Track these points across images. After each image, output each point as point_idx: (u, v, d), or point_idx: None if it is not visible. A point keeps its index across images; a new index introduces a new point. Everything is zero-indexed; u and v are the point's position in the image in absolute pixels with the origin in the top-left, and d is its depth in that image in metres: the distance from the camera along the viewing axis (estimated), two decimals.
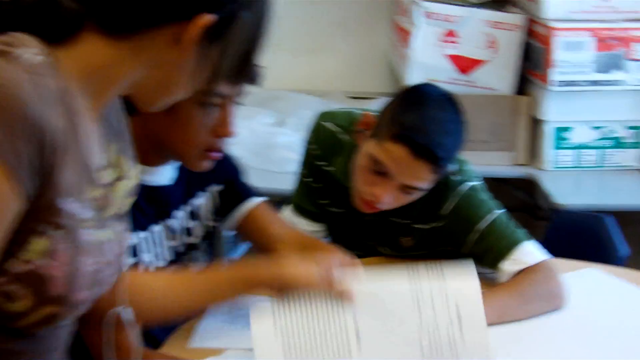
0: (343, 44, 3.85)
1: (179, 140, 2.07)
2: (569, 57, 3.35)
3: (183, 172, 2.23)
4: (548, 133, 3.47)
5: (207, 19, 1.34)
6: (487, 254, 2.32)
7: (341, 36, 3.88)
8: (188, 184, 2.26)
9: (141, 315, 1.72)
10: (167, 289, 1.91)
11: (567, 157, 3.48)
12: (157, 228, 2.18)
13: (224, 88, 1.99)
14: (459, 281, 1.87)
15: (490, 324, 1.91)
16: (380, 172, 2.26)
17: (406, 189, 2.27)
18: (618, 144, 3.51)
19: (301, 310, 1.83)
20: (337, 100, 3.74)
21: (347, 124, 2.51)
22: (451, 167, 2.34)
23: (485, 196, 2.38)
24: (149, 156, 2.07)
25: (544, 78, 3.38)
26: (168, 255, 2.21)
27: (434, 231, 2.41)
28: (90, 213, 1.39)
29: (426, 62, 3.53)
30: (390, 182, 2.26)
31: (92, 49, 1.35)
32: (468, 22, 3.51)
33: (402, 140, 2.21)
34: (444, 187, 2.35)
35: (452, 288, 1.85)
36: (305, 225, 2.59)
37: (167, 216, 2.20)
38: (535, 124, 3.51)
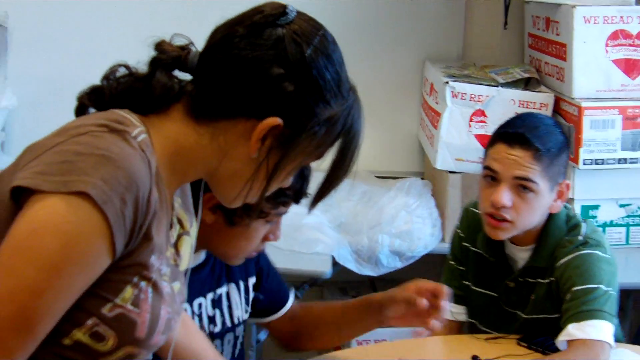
0: (371, 124, 3.89)
1: (232, 247, 2.19)
2: (596, 135, 3.37)
3: (211, 259, 2.29)
4: (575, 211, 3.44)
5: (273, 121, 1.50)
6: (564, 313, 2.44)
7: (370, 116, 3.92)
8: (215, 272, 2.31)
9: None
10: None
11: None
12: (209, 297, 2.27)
13: (285, 210, 2.17)
14: None
15: None
16: (493, 178, 2.52)
17: (518, 186, 2.49)
18: None
19: None
20: (365, 180, 3.77)
21: None
22: (584, 232, 2.55)
23: (600, 267, 2.50)
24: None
25: (572, 156, 3.40)
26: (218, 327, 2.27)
27: (550, 286, 2.55)
28: (168, 269, 1.58)
29: (455, 142, 3.55)
30: (502, 183, 2.50)
31: (177, 129, 1.55)
32: (496, 102, 3.54)
33: (498, 139, 2.56)
34: (570, 244, 2.53)
35: None
36: (449, 307, 2.63)
37: (188, 301, 2.23)
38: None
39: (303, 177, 2.15)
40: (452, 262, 2.83)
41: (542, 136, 2.53)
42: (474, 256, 2.76)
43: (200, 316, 2.26)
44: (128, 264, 1.48)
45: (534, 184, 2.50)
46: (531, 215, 2.54)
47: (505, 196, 2.50)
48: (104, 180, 1.39)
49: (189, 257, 1.73)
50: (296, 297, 3.60)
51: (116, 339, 1.49)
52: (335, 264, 3.43)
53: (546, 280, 2.57)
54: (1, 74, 3.64)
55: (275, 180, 1.58)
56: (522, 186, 2.50)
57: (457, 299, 2.76)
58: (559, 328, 2.53)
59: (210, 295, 2.29)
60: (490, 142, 2.62)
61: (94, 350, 1.49)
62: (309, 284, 3.67)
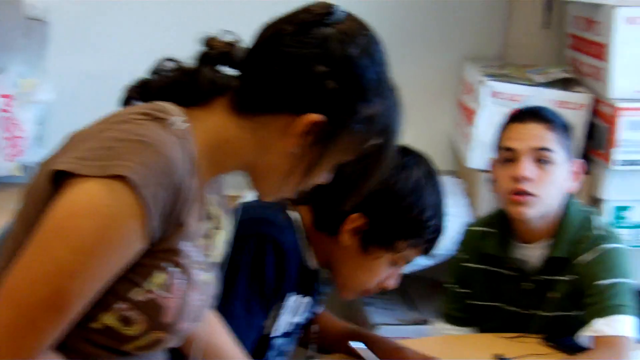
0: (408, 123, 3.89)
1: (355, 278, 2.27)
2: (633, 136, 3.34)
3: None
4: (607, 212, 3.45)
5: (314, 117, 1.54)
6: (589, 307, 2.47)
7: (406, 115, 3.92)
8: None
9: None
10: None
11: (626, 235, 3.43)
12: (305, 300, 2.30)
13: (414, 256, 2.27)
14: None
15: None
16: (510, 158, 2.57)
17: (538, 157, 2.54)
18: None
19: None
20: None
21: (486, 218, 2.81)
22: (601, 226, 2.60)
23: (623, 262, 2.54)
24: (317, 257, 2.26)
25: (606, 157, 3.37)
26: (289, 326, 2.28)
27: (572, 284, 2.57)
28: (201, 257, 1.61)
29: (489, 142, 3.51)
30: (521, 158, 2.54)
31: (219, 122, 1.59)
32: (534, 102, 3.49)
33: (509, 121, 2.66)
34: (587, 239, 2.56)
35: None
36: (454, 331, 2.80)
37: (310, 294, 2.32)
38: (594, 203, 3.48)
39: (438, 232, 2.25)
40: (452, 286, 2.84)
41: (549, 112, 2.65)
42: (479, 273, 2.76)
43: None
44: (160, 249, 1.50)
45: (552, 152, 2.55)
46: (553, 186, 2.56)
47: (527, 168, 2.54)
48: (142, 164, 1.42)
49: (222, 249, 1.76)
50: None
51: (144, 323, 1.52)
52: None
53: (567, 278, 2.55)
54: (41, 68, 3.67)
55: (314, 175, 1.61)
56: (541, 159, 2.54)
57: (463, 322, 2.81)
58: (580, 326, 2.52)
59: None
60: (501, 128, 2.68)
61: (122, 334, 1.52)
62: None
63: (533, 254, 2.65)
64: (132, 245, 1.45)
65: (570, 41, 3.87)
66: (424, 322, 3.63)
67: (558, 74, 3.65)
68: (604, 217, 3.39)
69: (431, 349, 2.42)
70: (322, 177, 1.65)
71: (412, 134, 3.84)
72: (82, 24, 3.86)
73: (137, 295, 1.50)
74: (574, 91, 3.59)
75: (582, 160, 2.68)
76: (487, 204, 3.52)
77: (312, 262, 2.27)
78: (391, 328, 3.55)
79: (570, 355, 2.50)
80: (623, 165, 3.34)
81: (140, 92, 1.64)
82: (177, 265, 1.53)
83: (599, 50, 3.50)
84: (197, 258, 1.60)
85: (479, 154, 3.56)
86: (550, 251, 2.60)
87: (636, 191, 3.43)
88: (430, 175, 2.24)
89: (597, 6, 3.49)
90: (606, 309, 2.42)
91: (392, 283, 2.31)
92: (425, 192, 2.20)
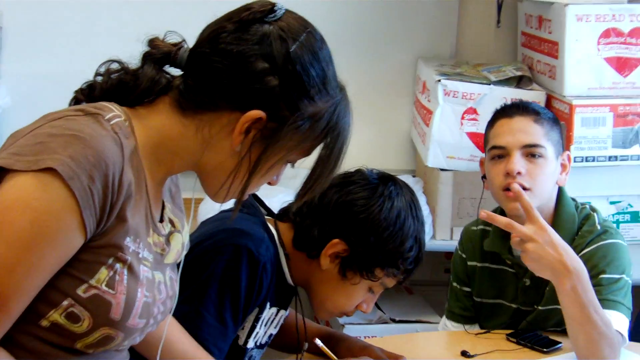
0: (364, 121, 3.90)
1: (332, 301, 2.30)
2: (587, 133, 3.37)
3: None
4: None
5: (256, 114, 1.56)
6: None
7: (362, 114, 3.93)
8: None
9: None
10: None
11: None
12: (281, 313, 2.33)
13: (391, 284, 2.30)
14: None
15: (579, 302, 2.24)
16: (501, 155, 2.60)
17: (528, 153, 2.59)
18: (635, 218, 3.52)
19: None
20: None
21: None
22: (601, 221, 2.62)
23: (624, 257, 2.56)
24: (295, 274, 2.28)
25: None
26: (264, 338, 2.30)
27: None
28: (150, 255, 1.62)
29: (446, 140, 3.57)
30: (512, 154, 2.58)
31: (163, 121, 1.60)
32: (488, 100, 3.54)
33: (496, 117, 2.70)
34: (588, 234, 2.58)
35: None
36: (457, 329, 2.82)
37: (284, 308, 2.34)
38: None
39: (417, 262, 2.28)
40: (455, 285, 2.87)
41: (535, 106, 2.70)
42: (481, 271, 2.80)
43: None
44: (102, 244, 1.52)
45: (541, 148, 2.59)
46: (545, 180, 2.60)
47: (518, 163, 2.57)
48: (72, 157, 1.44)
49: (178, 252, 1.76)
50: None
51: (91, 320, 1.53)
52: None
53: None
54: None
55: (257, 173, 1.62)
56: (531, 154, 2.58)
57: (468, 320, 2.84)
58: None
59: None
60: (488, 125, 2.72)
61: (70, 331, 1.53)
62: None
63: None
64: (68, 238, 1.46)
65: (523, 39, 3.92)
66: (389, 322, 3.66)
67: (512, 72, 3.68)
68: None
69: (397, 348, 2.45)
70: (269, 176, 1.67)
71: (371, 132, 3.94)
72: (35, 29, 3.84)
73: (82, 291, 1.52)
74: (528, 89, 3.62)
75: (569, 153, 2.72)
76: (445, 203, 3.56)
77: (290, 279, 2.28)
78: (357, 327, 3.56)
79: (538, 350, 2.52)
80: (579, 162, 3.37)
81: (87, 93, 1.65)
82: (120, 260, 1.55)
83: (551, 48, 3.55)
84: (144, 255, 1.61)
85: (437, 153, 3.59)
86: None
87: (593, 187, 3.47)
88: (413, 204, 2.27)
89: (548, 4, 3.53)
90: (604, 302, 2.43)
91: (367, 307, 2.33)
92: (407, 223, 2.23)
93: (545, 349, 2.51)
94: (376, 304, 3.82)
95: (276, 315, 2.29)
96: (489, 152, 2.67)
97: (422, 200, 3.64)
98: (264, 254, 2.12)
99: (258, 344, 2.27)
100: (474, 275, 2.81)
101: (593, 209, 2.70)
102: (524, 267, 2.65)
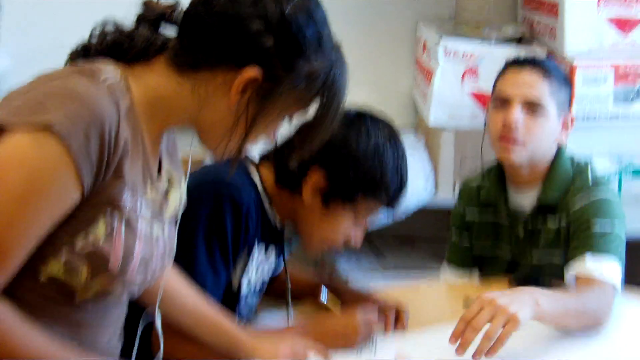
0: (366, 82, 3.92)
1: (318, 234, 2.29)
2: (589, 91, 3.39)
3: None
4: None
5: (252, 73, 1.57)
6: (580, 247, 2.50)
7: (364, 75, 3.96)
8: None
9: (166, 315, 1.94)
10: (197, 309, 2.03)
11: None
12: (271, 257, 2.34)
13: (376, 213, 2.29)
14: None
15: (555, 321, 2.19)
16: (503, 104, 2.61)
17: (529, 108, 2.59)
18: (637, 174, 3.53)
19: None
20: None
21: (482, 174, 2.84)
22: (595, 176, 2.64)
23: (616, 211, 2.57)
24: (281, 214, 2.30)
25: None
26: (257, 282, 2.32)
27: (559, 232, 2.63)
28: (148, 210, 1.64)
29: (448, 100, 3.58)
30: (513, 105, 2.59)
31: (158, 79, 1.61)
32: (488, 60, 3.55)
33: (507, 66, 2.69)
34: (581, 187, 2.60)
35: None
36: (457, 279, 2.86)
37: (277, 253, 2.36)
38: None
39: (401, 184, 2.27)
40: (454, 238, 2.90)
41: (548, 63, 2.69)
42: (478, 225, 2.83)
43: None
44: (100, 200, 1.53)
45: (543, 106, 2.59)
46: (541, 137, 2.61)
47: (517, 115, 2.58)
48: (67, 116, 1.45)
49: (176, 207, 1.78)
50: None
51: (89, 274, 1.55)
52: None
53: (556, 226, 2.61)
54: None
55: (254, 132, 1.64)
56: (532, 110, 2.59)
57: (463, 271, 2.87)
58: (560, 274, 2.57)
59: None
60: (499, 73, 2.72)
61: (69, 285, 1.55)
62: None
63: (526, 201, 2.70)
64: (65, 193, 1.48)
65: None
66: (393, 273, 3.69)
67: (513, 31, 3.69)
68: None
69: (399, 297, 2.46)
70: (267, 133, 1.69)
71: (373, 92, 3.95)
72: None
73: (80, 245, 1.53)
74: (529, 48, 3.62)
75: (572, 114, 2.72)
76: (447, 162, 3.58)
77: (276, 221, 2.30)
78: (358, 276, 3.59)
79: None
80: (581, 120, 3.37)
81: (82, 54, 1.65)
82: (118, 216, 1.56)
83: (552, 8, 3.55)
84: (142, 210, 1.62)
85: (438, 112, 3.60)
86: (539, 197, 2.65)
87: (595, 145, 3.47)
88: (392, 139, 2.27)
89: None
90: (596, 247, 2.46)
91: (357, 239, 2.34)
92: (386, 155, 2.22)
93: None
94: (379, 256, 3.86)
95: (266, 259, 2.31)
96: (493, 100, 2.69)
97: (424, 157, 3.65)
98: (246, 199, 2.14)
99: (252, 290, 2.28)
100: (472, 228, 2.84)
101: (587, 164, 2.71)
102: (518, 218, 2.69)
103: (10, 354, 1.50)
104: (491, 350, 1.99)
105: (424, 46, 3.82)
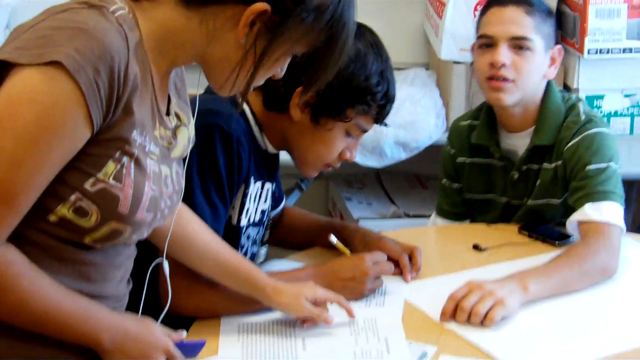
0: (376, 15, 3.88)
1: (312, 152, 2.28)
2: (601, 24, 3.33)
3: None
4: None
5: (261, 7, 1.55)
6: (578, 192, 2.50)
7: (374, 7, 3.94)
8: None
9: (183, 260, 2.00)
10: (218, 253, 2.05)
11: None
12: (267, 186, 2.34)
13: (367, 125, 2.27)
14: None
15: (553, 295, 2.18)
16: (488, 44, 2.59)
17: (515, 45, 2.57)
18: None
19: (264, 325, 2.09)
20: None
21: (473, 111, 2.82)
22: (586, 112, 2.61)
23: (609, 145, 2.56)
24: (274, 143, 2.30)
25: (576, 46, 3.39)
26: (257, 214, 2.32)
27: (556, 171, 2.61)
28: (156, 148, 1.63)
29: (460, 33, 3.52)
30: (499, 44, 2.57)
31: (166, 14, 1.59)
32: None
33: (489, 4, 2.65)
34: (574, 125, 2.58)
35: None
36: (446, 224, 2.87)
37: (272, 180, 2.38)
38: (567, 91, 3.49)
39: (388, 98, 2.24)
40: (445, 181, 2.88)
41: None
42: (470, 167, 2.80)
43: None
44: (109, 138, 1.52)
45: (529, 41, 2.56)
46: (530, 73, 2.59)
47: (504, 54, 2.56)
48: (77, 50, 1.43)
49: (184, 146, 1.78)
50: (301, 189, 3.65)
51: (99, 214, 1.55)
52: None
53: (552, 165, 2.60)
54: None
55: (263, 66, 1.62)
56: (519, 46, 2.56)
57: (457, 216, 2.87)
58: (561, 212, 2.57)
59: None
60: (481, 12, 2.68)
61: (79, 226, 1.55)
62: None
63: (519, 142, 2.68)
64: (75, 131, 1.47)
65: None
66: (403, 216, 3.69)
67: None
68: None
69: (409, 241, 2.46)
70: (274, 69, 1.67)
71: (384, 26, 3.89)
72: None
73: (89, 185, 1.53)
74: None
75: (560, 46, 2.69)
76: (459, 95, 3.56)
77: (269, 147, 2.30)
78: (371, 222, 3.60)
79: (549, 243, 2.55)
80: (593, 53, 3.34)
81: None
82: (127, 154, 1.56)
83: None
84: (151, 149, 1.62)
85: (450, 45, 3.56)
86: (534, 139, 2.64)
87: (608, 80, 3.44)
88: (374, 44, 2.24)
89: None
90: (597, 195, 2.45)
91: (351, 154, 2.32)
92: (369, 60, 2.20)
93: (557, 242, 2.53)
94: (389, 198, 3.86)
95: (262, 188, 2.31)
96: (478, 39, 2.66)
97: (435, 93, 3.64)
98: (236, 128, 2.13)
99: (252, 221, 2.29)
100: (463, 170, 2.82)
101: (578, 99, 2.70)
102: (512, 160, 2.67)
103: (18, 298, 1.52)
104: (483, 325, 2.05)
105: None
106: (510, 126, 2.69)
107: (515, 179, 2.69)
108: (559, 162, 2.59)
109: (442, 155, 2.90)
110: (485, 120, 2.71)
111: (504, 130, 2.70)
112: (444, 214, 2.89)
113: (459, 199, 2.85)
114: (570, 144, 2.55)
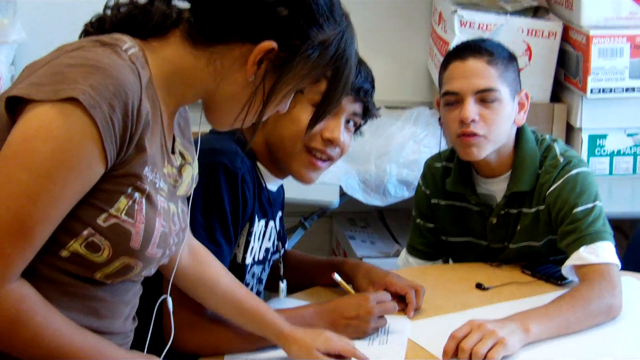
0: (381, 53, 3.91)
1: (286, 135, 2.21)
2: (604, 63, 3.36)
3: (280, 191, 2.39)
4: (583, 140, 3.49)
5: (268, 45, 1.58)
6: (569, 236, 2.45)
7: (379, 46, 3.95)
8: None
9: (202, 302, 2.00)
10: (235, 295, 2.04)
11: (602, 164, 3.51)
12: (270, 224, 2.33)
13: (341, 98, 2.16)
14: None
15: (554, 337, 2.17)
16: (455, 101, 2.50)
17: (482, 98, 2.48)
18: None
19: None
20: None
21: (447, 152, 2.75)
22: (563, 152, 2.56)
23: (592, 183, 2.52)
24: (271, 168, 2.28)
25: (579, 85, 3.40)
26: (261, 252, 2.31)
27: (537, 215, 2.56)
28: (165, 185, 1.65)
29: None
30: (466, 100, 2.48)
31: (175, 53, 1.62)
32: (505, 30, 3.54)
33: (449, 59, 2.56)
34: (553, 168, 2.53)
35: None
36: (416, 264, 2.83)
37: (275, 218, 2.36)
38: (570, 131, 3.52)
39: (370, 80, 2.25)
40: (419, 220, 2.82)
41: (490, 45, 2.55)
42: (445, 209, 2.74)
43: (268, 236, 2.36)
44: (122, 174, 1.54)
45: (495, 92, 2.48)
46: (500, 125, 2.50)
47: (472, 110, 2.46)
48: (93, 87, 1.45)
49: (189, 184, 1.79)
50: (304, 227, 3.65)
51: (111, 249, 1.55)
52: (343, 194, 3.45)
53: (533, 210, 2.56)
54: (11, 8, 3.64)
55: (272, 103, 1.65)
56: (485, 99, 2.48)
57: (430, 256, 2.83)
58: (543, 253, 2.59)
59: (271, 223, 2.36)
60: (441, 67, 2.60)
61: (91, 261, 1.55)
62: (317, 214, 3.70)
63: (495, 188, 2.64)
64: (90, 167, 1.48)
65: None
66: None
67: (529, 2, 3.67)
68: (577, 145, 3.44)
69: (414, 279, 2.45)
70: (281, 104, 1.69)
71: (387, 64, 3.93)
72: None
73: (102, 220, 1.53)
74: (544, 19, 3.60)
75: (526, 91, 2.61)
76: None
77: (272, 183, 2.30)
78: (374, 261, 3.57)
79: (552, 283, 2.54)
80: (596, 93, 3.35)
81: (97, 26, 1.65)
82: (140, 190, 1.57)
83: None
84: (161, 185, 1.64)
85: None
86: (511, 186, 2.59)
87: (611, 119, 3.46)
88: None
89: None
90: (587, 238, 2.42)
91: (332, 134, 2.22)
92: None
93: (560, 282, 2.53)
94: (392, 237, 3.86)
95: (266, 227, 2.30)
96: (443, 97, 2.58)
97: (437, 133, 3.63)
98: (240, 166, 2.12)
99: (256, 259, 2.29)
100: (438, 212, 2.76)
101: (554, 140, 2.64)
102: (489, 205, 2.63)
103: (32, 333, 1.52)
104: None
105: (440, 17, 3.79)
106: (485, 172, 2.64)
107: (494, 224, 2.65)
108: (542, 207, 2.55)
109: (416, 193, 2.85)
110: (459, 167, 2.66)
111: (480, 178, 2.66)
112: (416, 253, 2.84)
113: (433, 239, 2.80)
114: (552, 188, 2.51)
